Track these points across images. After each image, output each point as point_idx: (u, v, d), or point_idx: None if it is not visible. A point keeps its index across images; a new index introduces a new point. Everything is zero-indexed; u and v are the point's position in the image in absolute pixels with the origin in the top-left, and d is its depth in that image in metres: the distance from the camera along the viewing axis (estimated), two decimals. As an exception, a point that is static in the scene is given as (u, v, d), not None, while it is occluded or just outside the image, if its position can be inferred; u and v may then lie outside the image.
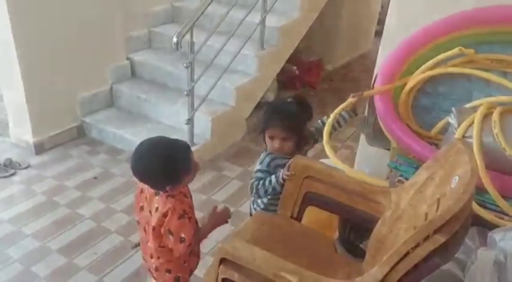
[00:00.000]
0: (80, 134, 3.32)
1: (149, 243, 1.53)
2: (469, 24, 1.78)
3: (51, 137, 3.15)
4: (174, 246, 1.43)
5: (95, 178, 2.87)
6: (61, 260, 2.21)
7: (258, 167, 1.76)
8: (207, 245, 2.33)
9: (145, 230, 1.57)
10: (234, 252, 1.17)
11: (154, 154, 1.38)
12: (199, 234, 1.51)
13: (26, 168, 2.92)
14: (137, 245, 1.95)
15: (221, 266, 1.21)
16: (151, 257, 1.56)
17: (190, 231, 1.42)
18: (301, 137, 1.74)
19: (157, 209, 1.45)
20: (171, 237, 1.42)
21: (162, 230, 1.43)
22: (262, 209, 1.82)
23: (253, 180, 1.73)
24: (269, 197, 1.76)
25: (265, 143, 1.76)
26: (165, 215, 1.41)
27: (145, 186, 1.52)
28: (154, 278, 1.63)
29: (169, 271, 1.55)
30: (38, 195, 2.67)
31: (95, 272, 2.14)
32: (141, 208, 1.56)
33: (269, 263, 1.13)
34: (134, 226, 2.37)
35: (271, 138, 1.71)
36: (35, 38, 2.85)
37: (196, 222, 1.52)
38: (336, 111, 1.87)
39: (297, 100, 1.78)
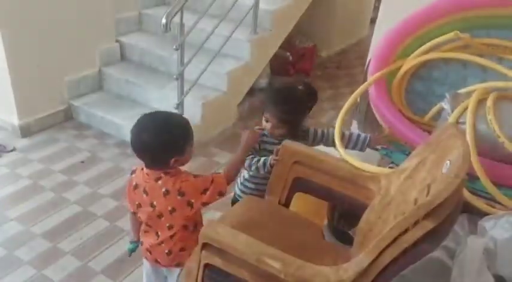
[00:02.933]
0: (67, 118, 3.24)
1: (159, 232, 1.48)
2: (464, 7, 1.74)
3: (38, 119, 3.07)
4: (217, 187, 1.42)
5: (82, 162, 2.81)
6: (45, 244, 2.16)
7: None
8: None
9: (149, 225, 1.51)
10: (216, 237, 1.13)
11: (155, 126, 1.36)
12: (235, 160, 1.59)
13: (11, 151, 2.85)
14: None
15: (203, 251, 1.17)
16: (162, 243, 1.50)
17: (204, 179, 1.43)
18: (295, 126, 1.71)
19: (167, 191, 1.39)
20: (208, 192, 1.41)
21: (193, 200, 1.40)
22: (248, 193, 1.79)
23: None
24: (251, 173, 1.75)
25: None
26: (181, 193, 1.38)
27: (140, 180, 1.44)
28: (164, 266, 1.58)
29: (183, 249, 1.50)
30: (23, 179, 2.61)
31: (79, 257, 2.10)
32: (139, 205, 1.48)
33: (251, 248, 1.09)
34: (121, 211, 2.35)
35: (266, 119, 1.69)
36: (19, 18, 2.76)
37: None
38: (342, 111, 1.81)
39: (306, 88, 1.74)
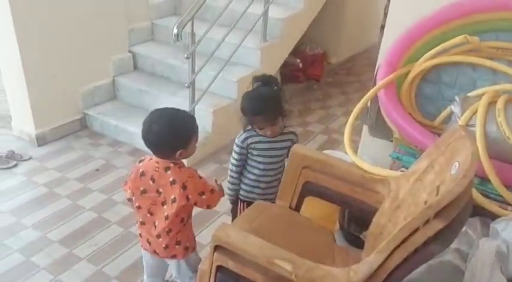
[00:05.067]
0: (82, 127, 3.31)
1: (157, 222, 1.57)
2: (473, 11, 1.74)
3: (53, 129, 3.14)
4: (209, 200, 1.55)
5: (97, 170, 2.86)
6: (61, 250, 2.21)
7: (236, 140, 1.84)
8: (206, 236, 2.32)
9: (150, 212, 1.58)
10: (228, 239, 1.15)
11: (164, 119, 1.48)
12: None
13: (27, 160, 2.91)
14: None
15: (215, 253, 1.19)
16: (159, 237, 1.59)
17: (210, 183, 1.58)
18: (283, 112, 1.79)
19: (174, 181, 1.50)
20: (203, 196, 1.53)
21: (190, 196, 1.50)
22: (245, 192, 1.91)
23: (232, 157, 1.86)
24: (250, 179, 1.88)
25: (249, 124, 1.80)
26: (184, 186, 1.48)
27: (149, 168, 1.54)
28: (161, 258, 1.68)
29: (178, 243, 1.61)
30: (39, 187, 2.67)
31: (94, 263, 2.14)
32: (143, 191, 1.57)
33: (263, 251, 1.11)
34: (135, 218, 2.38)
35: (261, 128, 1.77)
36: (36, 30, 2.85)
37: None
38: (352, 116, 1.84)
39: (264, 82, 1.81)
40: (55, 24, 2.93)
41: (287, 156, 1.85)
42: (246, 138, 1.79)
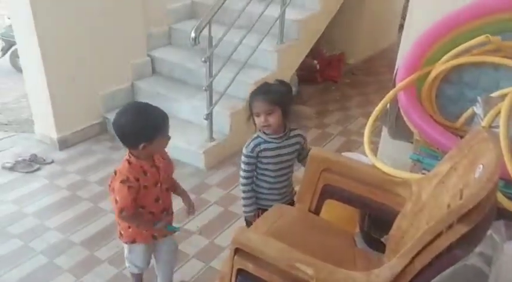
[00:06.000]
0: (102, 130, 3.37)
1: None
2: (494, 11, 1.71)
3: (75, 133, 3.21)
4: (112, 203, 1.59)
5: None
6: (83, 252, 2.25)
7: (243, 150, 1.80)
8: (227, 239, 2.33)
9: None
10: (248, 243, 1.15)
11: (129, 114, 1.53)
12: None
13: (50, 163, 2.98)
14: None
15: (236, 257, 1.19)
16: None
17: (125, 198, 1.52)
18: (286, 110, 1.75)
19: (114, 171, 1.60)
20: (112, 194, 1.58)
21: (111, 185, 1.59)
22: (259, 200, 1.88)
23: (242, 169, 1.82)
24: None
25: (254, 124, 1.78)
26: (115, 173, 1.58)
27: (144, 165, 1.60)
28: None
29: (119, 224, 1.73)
30: (62, 190, 2.73)
31: (115, 265, 2.16)
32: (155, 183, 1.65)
33: (283, 254, 1.11)
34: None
35: (258, 115, 1.73)
36: (57, 36, 2.91)
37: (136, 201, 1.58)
38: (372, 118, 1.82)
39: (278, 81, 1.83)
40: (75, 30, 2.98)
41: (296, 158, 1.85)
42: (255, 146, 1.77)
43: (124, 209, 1.54)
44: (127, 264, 1.85)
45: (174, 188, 1.78)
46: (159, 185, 1.64)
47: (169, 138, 1.60)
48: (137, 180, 1.54)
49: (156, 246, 1.81)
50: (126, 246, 1.78)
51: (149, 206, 1.64)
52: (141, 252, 1.76)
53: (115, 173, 1.58)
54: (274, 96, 1.71)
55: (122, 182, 1.52)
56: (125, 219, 1.61)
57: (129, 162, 1.56)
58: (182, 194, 1.81)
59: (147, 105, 1.56)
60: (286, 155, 1.80)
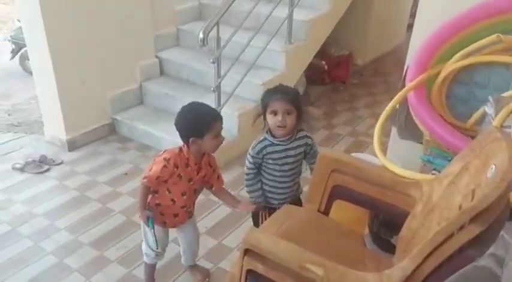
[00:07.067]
0: (110, 131, 3.39)
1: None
2: (503, 10, 1.69)
3: (84, 134, 3.23)
4: (146, 169, 1.71)
5: (125, 174, 2.92)
6: (92, 252, 2.26)
7: (249, 150, 1.82)
8: (235, 240, 2.33)
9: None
10: (258, 243, 1.15)
11: (189, 108, 1.69)
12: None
13: (59, 164, 3.00)
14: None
15: (245, 257, 1.19)
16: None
17: (154, 172, 1.65)
18: (300, 115, 1.74)
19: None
20: (151, 163, 1.71)
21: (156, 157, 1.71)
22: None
23: (246, 165, 1.86)
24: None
25: (265, 122, 1.76)
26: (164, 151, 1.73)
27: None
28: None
29: None
30: (71, 191, 2.74)
31: (125, 265, 2.17)
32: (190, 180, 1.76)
33: (293, 255, 1.10)
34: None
35: (274, 113, 1.69)
36: (67, 39, 2.93)
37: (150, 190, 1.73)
38: (382, 118, 1.81)
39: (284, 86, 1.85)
40: (84, 32, 3.00)
41: (304, 158, 1.85)
42: (261, 149, 1.77)
43: (147, 178, 1.67)
44: (143, 249, 1.91)
45: (219, 195, 1.93)
46: (191, 182, 1.74)
47: (220, 141, 1.69)
48: (176, 167, 1.67)
49: (178, 233, 1.96)
50: (142, 225, 1.85)
51: (174, 194, 1.74)
52: (150, 231, 1.81)
53: (165, 151, 1.72)
54: (293, 97, 1.71)
55: (164, 159, 1.66)
56: (141, 186, 1.71)
57: (180, 150, 1.69)
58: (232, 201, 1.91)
59: (202, 105, 1.72)
60: (293, 157, 1.79)
